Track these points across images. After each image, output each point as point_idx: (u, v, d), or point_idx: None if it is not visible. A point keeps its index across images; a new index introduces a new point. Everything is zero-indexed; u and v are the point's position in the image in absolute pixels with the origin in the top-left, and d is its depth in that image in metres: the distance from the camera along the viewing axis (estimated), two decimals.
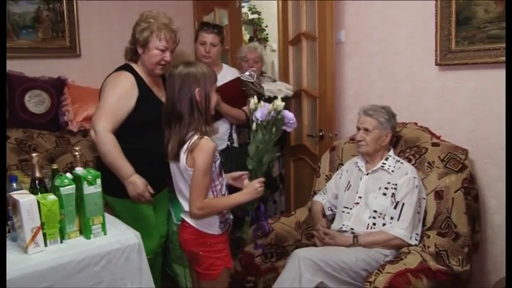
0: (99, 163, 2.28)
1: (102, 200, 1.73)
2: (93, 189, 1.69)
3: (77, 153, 1.82)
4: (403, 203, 2.24)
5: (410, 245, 2.19)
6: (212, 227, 1.91)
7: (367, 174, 2.41)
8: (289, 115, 1.94)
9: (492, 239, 2.47)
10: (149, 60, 2.25)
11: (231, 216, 2.01)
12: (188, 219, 1.92)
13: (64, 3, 3.29)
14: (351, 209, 2.38)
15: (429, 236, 2.23)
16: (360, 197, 2.37)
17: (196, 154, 1.79)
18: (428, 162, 2.43)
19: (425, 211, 2.33)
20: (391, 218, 2.25)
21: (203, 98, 1.83)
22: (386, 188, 2.32)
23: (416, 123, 2.64)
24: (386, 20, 2.80)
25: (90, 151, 2.92)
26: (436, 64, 2.56)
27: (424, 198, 2.33)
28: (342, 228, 2.35)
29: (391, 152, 2.44)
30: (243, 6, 3.95)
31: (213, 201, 1.87)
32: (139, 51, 2.27)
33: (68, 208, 1.68)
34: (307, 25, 3.10)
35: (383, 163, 2.39)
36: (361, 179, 2.41)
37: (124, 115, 2.20)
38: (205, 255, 1.91)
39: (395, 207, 2.25)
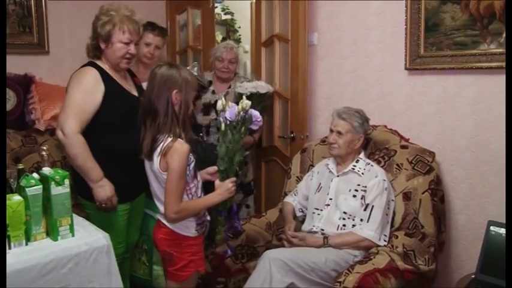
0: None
1: (70, 201, 1.70)
2: (61, 190, 1.66)
3: (44, 152, 1.78)
4: (373, 205, 2.28)
5: (379, 246, 2.23)
6: (188, 229, 1.91)
7: (338, 176, 2.44)
8: (255, 113, 1.96)
9: (456, 238, 2.54)
10: (113, 54, 2.16)
11: (208, 218, 2.01)
12: (164, 220, 1.91)
13: None
14: (321, 210, 2.40)
15: (397, 237, 2.28)
16: (330, 199, 2.40)
17: (170, 157, 1.78)
18: (397, 164, 2.48)
19: (394, 212, 2.38)
20: (361, 220, 2.29)
21: (179, 102, 1.83)
22: (356, 190, 2.34)
23: (385, 126, 2.70)
24: (358, 24, 2.85)
25: (58, 151, 2.85)
26: (406, 68, 2.63)
27: (392, 200, 2.37)
28: (312, 229, 2.37)
29: (362, 155, 2.47)
30: (216, 7, 3.93)
31: (188, 204, 1.86)
32: (102, 46, 2.18)
33: (34, 209, 1.64)
34: (280, 27, 3.12)
35: (353, 165, 2.41)
36: (331, 181, 2.44)
37: (91, 112, 2.09)
38: (179, 257, 1.91)
39: (365, 209, 2.29)
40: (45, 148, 1.80)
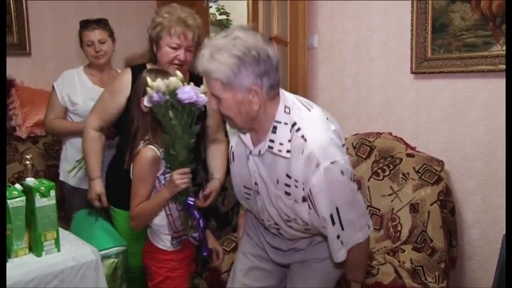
0: (108, 174, 2.25)
1: (56, 213, 1.65)
2: (46, 202, 1.61)
3: (28, 162, 1.73)
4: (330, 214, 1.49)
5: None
6: (163, 242, 1.88)
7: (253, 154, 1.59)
8: (184, 94, 1.64)
9: (469, 253, 2.52)
10: (161, 59, 2.15)
11: (193, 235, 1.90)
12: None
13: None
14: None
15: (404, 251, 2.26)
16: (255, 183, 1.66)
17: (134, 162, 1.81)
18: (403, 174, 2.47)
19: (401, 224, 2.36)
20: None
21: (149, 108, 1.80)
22: (287, 185, 1.52)
23: (390, 133, 2.69)
24: (361, 25, 2.85)
25: (42, 159, 2.81)
26: (412, 72, 2.63)
27: (354, 181, 1.54)
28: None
29: (281, 113, 1.49)
30: (211, 7, 3.93)
31: (143, 206, 1.82)
32: (154, 49, 2.18)
33: (16, 223, 1.59)
34: (278, 28, 3.11)
35: (270, 140, 1.50)
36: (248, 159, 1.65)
37: (113, 113, 2.14)
38: (156, 271, 1.89)
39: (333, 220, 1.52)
40: (28, 157, 1.76)
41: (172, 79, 1.67)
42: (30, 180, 1.66)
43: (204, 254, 1.96)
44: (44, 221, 1.62)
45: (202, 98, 1.68)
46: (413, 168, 2.46)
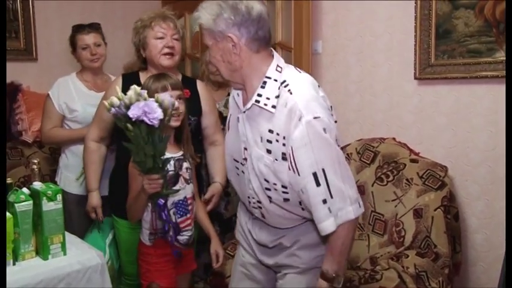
0: (111, 184, 2.30)
1: (62, 217, 1.68)
2: (53, 206, 1.64)
3: (35, 166, 1.76)
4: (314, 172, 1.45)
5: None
6: (143, 236, 1.95)
7: (244, 112, 1.60)
8: (132, 110, 1.61)
9: (474, 259, 2.52)
10: (151, 54, 2.18)
11: (172, 234, 1.88)
12: None
13: (18, 0, 3.19)
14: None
15: (408, 256, 2.26)
16: (245, 148, 1.67)
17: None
18: (407, 179, 2.48)
19: (404, 230, 2.37)
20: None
21: None
22: (269, 142, 1.52)
23: (394, 139, 2.70)
24: (364, 31, 2.87)
25: (47, 164, 2.84)
26: (415, 78, 2.64)
27: (338, 145, 1.52)
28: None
29: (271, 69, 1.53)
30: None
31: (129, 197, 1.88)
32: (143, 53, 2.22)
33: (24, 226, 1.62)
34: (282, 35, 3.13)
35: (258, 95, 1.52)
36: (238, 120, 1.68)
37: (108, 122, 2.18)
38: (139, 263, 1.98)
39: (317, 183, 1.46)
40: (35, 161, 1.79)
41: (130, 93, 1.65)
42: (37, 184, 1.69)
43: (175, 254, 1.94)
44: (51, 224, 1.65)
45: (155, 115, 1.63)
46: (417, 173, 2.46)
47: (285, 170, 1.50)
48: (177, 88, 1.95)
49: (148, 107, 1.62)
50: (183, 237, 1.92)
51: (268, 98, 1.50)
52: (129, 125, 1.64)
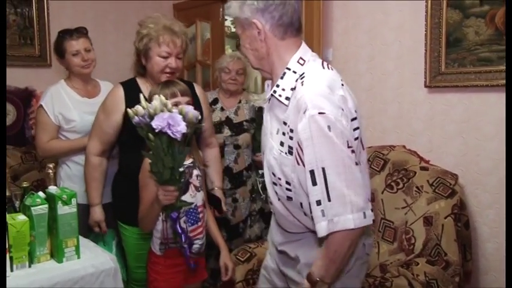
0: (113, 190, 2.28)
1: (77, 221, 1.71)
2: (67, 210, 1.67)
3: (50, 170, 1.80)
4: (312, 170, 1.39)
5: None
6: (154, 245, 1.96)
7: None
8: (156, 121, 1.61)
9: (485, 268, 2.51)
10: (152, 69, 2.14)
11: (184, 245, 1.88)
12: None
13: (34, 8, 3.25)
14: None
15: (418, 264, 2.26)
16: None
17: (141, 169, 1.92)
18: (417, 187, 2.48)
19: (414, 237, 2.37)
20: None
21: None
22: (283, 134, 1.49)
23: (404, 146, 2.71)
24: (375, 39, 2.88)
25: None
26: (425, 86, 2.65)
27: (351, 151, 1.41)
28: None
29: (293, 61, 1.49)
30: (227, 19, 3.98)
31: (141, 207, 1.89)
32: (143, 61, 2.17)
33: (39, 229, 1.65)
34: None
35: (277, 85, 1.51)
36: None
37: (111, 133, 2.14)
38: (148, 270, 1.99)
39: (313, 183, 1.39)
40: (51, 166, 1.83)
41: (155, 103, 1.64)
42: (52, 189, 1.72)
43: (191, 266, 1.92)
44: (66, 228, 1.68)
45: (178, 128, 1.61)
46: (427, 181, 2.47)
47: (289, 164, 1.45)
48: (186, 94, 1.95)
49: (173, 120, 1.61)
50: (195, 245, 1.93)
51: (283, 90, 1.47)
52: (150, 135, 1.64)
